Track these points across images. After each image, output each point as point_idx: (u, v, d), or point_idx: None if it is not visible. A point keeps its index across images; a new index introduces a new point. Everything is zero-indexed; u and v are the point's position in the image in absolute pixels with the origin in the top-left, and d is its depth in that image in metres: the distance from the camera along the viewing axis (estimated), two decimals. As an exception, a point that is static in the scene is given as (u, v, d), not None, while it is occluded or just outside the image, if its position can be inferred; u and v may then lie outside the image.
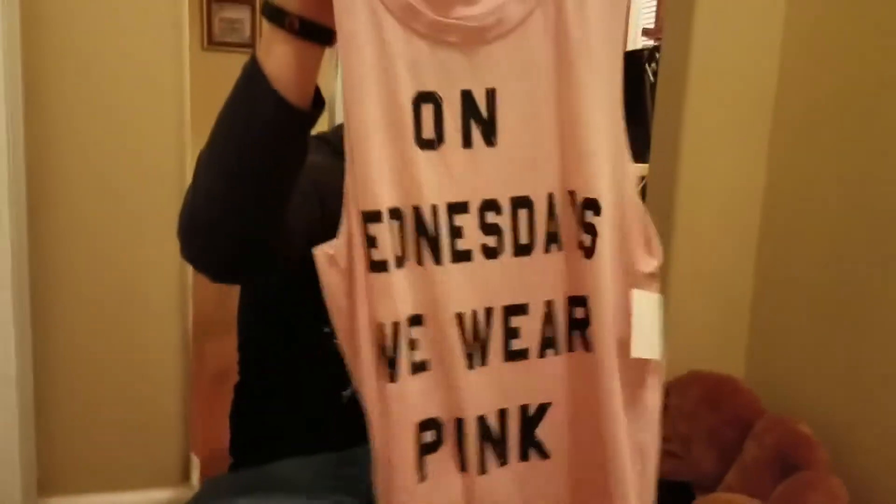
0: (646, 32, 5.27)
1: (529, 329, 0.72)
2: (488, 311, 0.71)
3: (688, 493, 1.23)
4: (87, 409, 1.27)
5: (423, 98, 0.66)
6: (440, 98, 0.67)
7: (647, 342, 0.70)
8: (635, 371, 0.71)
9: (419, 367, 0.69)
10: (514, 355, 0.72)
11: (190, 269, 1.27)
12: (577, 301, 0.71)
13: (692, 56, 1.30)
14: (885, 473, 1.08)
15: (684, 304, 1.37)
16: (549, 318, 0.72)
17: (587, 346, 0.71)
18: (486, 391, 0.71)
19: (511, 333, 0.71)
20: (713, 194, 1.35)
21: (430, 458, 0.70)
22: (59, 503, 1.28)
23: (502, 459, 0.72)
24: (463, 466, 0.71)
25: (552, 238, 0.71)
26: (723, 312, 1.38)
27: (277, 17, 0.65)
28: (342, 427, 0.83)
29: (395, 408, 0.67)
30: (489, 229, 0.70)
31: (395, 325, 0.67)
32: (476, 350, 0.70)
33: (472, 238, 0.69)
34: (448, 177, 0.68)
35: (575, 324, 0.72)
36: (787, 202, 1.31)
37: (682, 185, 1.34)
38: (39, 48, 1.16)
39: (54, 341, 1.24)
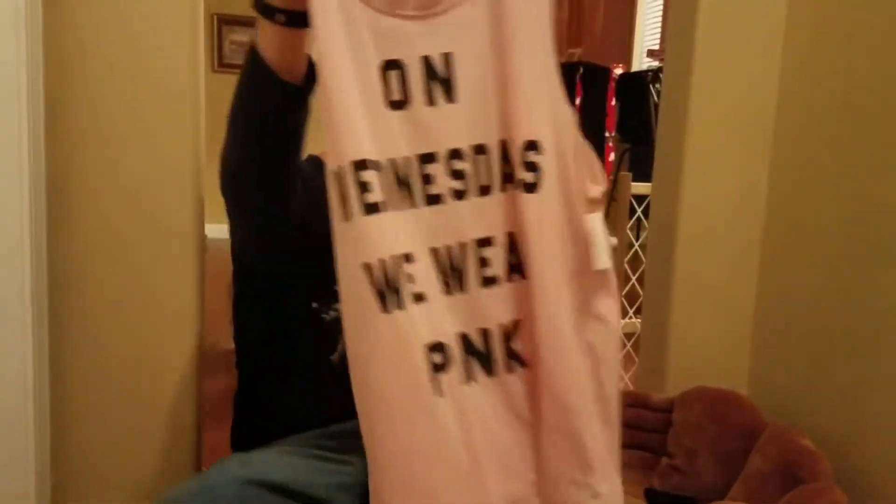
0: (650, 54, 5.33)
1: (497, 258, 0.82)
2: (461, 246, 0.81)
3: (693, 506, 1.24)
4: (101, 420, 1.28)
5: (390, 65, 0.77)
6: (404, 64, 0.78)
7: (601, 256, 0.81)
8: (589, 283, 0.82)
9: (419, 298, 0.77)
10: (487, 282, 0.82)
11: (206, 283, 1.29)
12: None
13: (694, 75, 1.33)
14: (889, 486, 1.09)
15: (688, 319, 1.38)
16: (511, 248, 0.82)
17: (523, 273, 0.82)
18: (466, 313, 0.81)
19: (483, 263, 0.82)
20: (716, 211, 1.37)
21: (438, 376, 0.78)
22: (72, 513, 1.29)
23: (490, 372, 0.82)
24: (467, 379, 0.80)
25: (507, 178, 0.81)
26: (726, 327, 1.40)
27: (266, 11, 0.78)
28: (338, 398, 0.88)
29: (407, 337, 0.75)
30: (456, 175, 0.80)
31: (395, 259, 0.76)
32: (455, 279, 0.81)
33: (442, 183, 0.80)
34: (416, 132, 0.78)
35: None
36: (790, 218, 1.32)
37: (685, 202, 1.36)
38: (61, 66, 1.19)
39: (71, 353, 1.26)
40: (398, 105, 0.78)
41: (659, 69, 4.51)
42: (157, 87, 1.23)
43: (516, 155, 0.80)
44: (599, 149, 4.80)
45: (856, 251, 1.16)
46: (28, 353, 1.16)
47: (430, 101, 0.79)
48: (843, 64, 1.21)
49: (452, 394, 0.78)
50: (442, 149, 0.79)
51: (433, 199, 0.79)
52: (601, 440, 0.82)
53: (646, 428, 1.32)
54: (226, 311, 1.23)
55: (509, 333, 0.83)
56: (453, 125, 0.79)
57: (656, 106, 4.17)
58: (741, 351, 1.41)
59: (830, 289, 1.21)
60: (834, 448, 1.14)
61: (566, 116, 0.82)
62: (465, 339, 0.81)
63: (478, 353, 0.81)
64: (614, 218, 1.81)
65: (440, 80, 0.79)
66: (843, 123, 1.20)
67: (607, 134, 4.80)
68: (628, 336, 1.86)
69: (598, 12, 5.20)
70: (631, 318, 1.85)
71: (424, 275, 0.78)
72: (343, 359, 0.78)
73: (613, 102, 4.78)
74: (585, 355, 0.82)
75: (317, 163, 0.98)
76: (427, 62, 0.78)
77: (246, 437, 1.09)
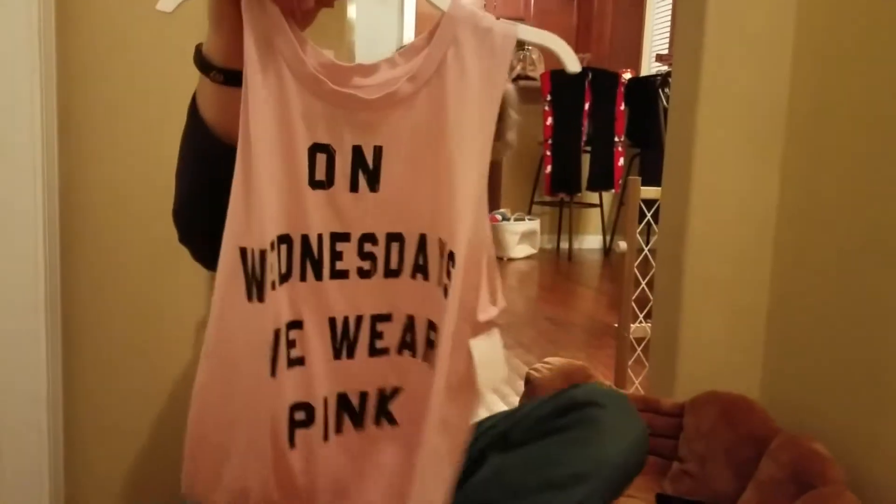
0: (659, 58, 5.33)
1: (392, 332, 0.86)
2: (358, 318, 0.85)
3: (705, 512, 1.23)
4: (116, 429, 1.30)
5: (318, 148, 0.80)
6: (333, 150, 0.80)
7: (481, 377, 0.82)
8: (457, 391, 0.82)
9: (296, 362, 0.82)
10: (376, 352, 0.87)
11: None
12: (433, 326, 0.85)
13: (703, 79, 1.33)
14: (902, 491, 1.08)
15: (699, 323, 1.38)
16: (409, 327, 0.86)
17: (431, 362, 0.84)
18: (349, 377, 0.85)
19: (376, 335, 0.86)
20: (726, 215, 1.36)
21: (301, 433, 0.83)
22: (86, 522, 1.30)
23: (359, 425, 0.87)
24: (325, 436, 0.85)
25: (419, 269, 0.85)
26: (737, 332, 1.39)
27: (203, 67, 0.77)
28: None
29: (272, 398, 0.79)
30: (365, 256, 0.84)
31: (276, 331, 0.79)
32: (344, 347, 0.85)
33: (350, 261, 0.83)
34: (334, 213, 0.81)
35: (429, 343, 0.85)
36: (801, 222, 1.32)
37: (695, 206, 1.35)
38: (73, 77, 1.21)
39: (84, 365, 1.27)
40: (320, 185, 0.80)
41: (668, 73, 4.51)
42: (170, 93, 1.24)
43: (435, 250, 0.83)
44: (608, 154, 4.80)
45: (869, 256, 1.16)
46: (42, 366, 1.17)
47: (353, 188, 0.81)
48: (855, 67, 1.21)
49: (308, 448, 0.83)
50: (356, 231, 0.83)
51: (339, 274, 0.83)
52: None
53: (656, 433, 1.32)
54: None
55: (386, 397, 0.88)
56: (371, 212, 0.82)
57: (665, 110, 4.16)
58: (752, 356, 1.40)
59: (843, 293, 1.21)
60: (846, 454, 1.14)
61: (485, 233, 0.81)
62: (341, 398, 0.86)
63: (351, 410, 0.86)
64: (623, 222, 1.80)
65: (367, 170, 0.81)
66: (854, 126, 1.20)
67: (616, 139, 4.81)
68: (638, 341, 1.86)
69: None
70: (641, 322, 1.85)
71: (309, 340, 0.83)
72: None
73: (622, 107, 4.78)
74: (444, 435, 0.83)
75: None
76: (357, 151, 0.81)
77: None
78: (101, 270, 1.26)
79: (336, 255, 0.82)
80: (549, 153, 4.64)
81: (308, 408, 0.83)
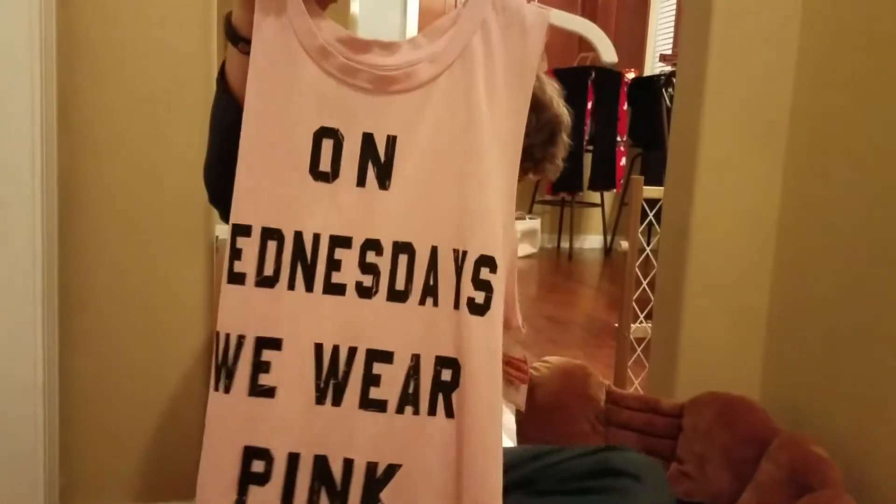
0: (663, 58, 5.32)
1: (391, 380, 0.70)
2: (351, 351, 0.70)
3: (703, 513, 1.23)
4: (111, 421, 1.29)
5: (325, 133, 0.71)
6: (341, 136, 0.71)
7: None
8: (485, 440, 0.69)
9: (264, 392, 0.69)
10: (370, 404, 0.70)
11: (216, 285, 1.30)
12: (445, 362, 0.71)
13: (707, 79, 1.32)
14: (902, 494, 1.08)
15: (699, 324, 1.37)
16: (413, 372, 0.71)
17: (449, 411, 0.70)
18: (333, 433, 0.70)
19: (371, 380, 0.70)
20: (729, 215, 1.36)
21: (254, 490, 0.68)
22: (82, 514, 1.30)
23: None
24: None
25: (429, 291, 0.72)
26: (738, 332, 1.39)
27: (232, 38, 0.74)
28: None
29: (222, 423, 0.68)
30: (367, 268, 0.71)
31: (240, 339, 0.69)
32: (330, 387, 0.70)
33: (349, 273, 0.71)
34: (336, 210, 0.71)
35: (440, 385, 0.71)
36: (804, 223, 1.31)
37: (698, 206, 1.35)
38: (73, 67, 1.20)
39: (80, 353, 1.27)
40: (323, 177, 0.71)
41: (671, 73, 4.51)
42: (169, 90, 1.23)
43: (459, 271, 0.71)
44: (610, 153, 4.80)
45: (870, 257, 1.15)
46: (38, 356, 1.17)
47: (361, 182, 0.71)
48: (859, 67, 1.20)
49: None
50: (359, 236, 0.71)
51: (334, 289, 0.71)
52: None
53: (656, 433, 1.31)
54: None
55: (378, 478, 0.70)
56: (379, 214, 0.71)
57: (668, 110, 4.16)
58: (753, 356, 1.40)
59: (844, 295, 1.20)
60: (846, 456, 1.13)
61: (512, 240, 0.75)
62: (319, 463, 0.69)
63: (330, 485, 0.69)
64: (625, 222, 1.79)
65: (378, 162, 0.71)
66: (858, 129, 1.19)
67: (619, 138, 4.80)
68: (639, 341, 1.85)
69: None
70: (641, 322, 1.84)
71: (286, 368, 0.69)
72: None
73: (625, 107, 4.77)
74: None
75: None
76: (368, 140, 0.71)
77: None
78: (98, 264, 1.25)
79: (333, 265, 0.71)
80: (550, 152, 4.63)
81: (267, 458, 0.68)
